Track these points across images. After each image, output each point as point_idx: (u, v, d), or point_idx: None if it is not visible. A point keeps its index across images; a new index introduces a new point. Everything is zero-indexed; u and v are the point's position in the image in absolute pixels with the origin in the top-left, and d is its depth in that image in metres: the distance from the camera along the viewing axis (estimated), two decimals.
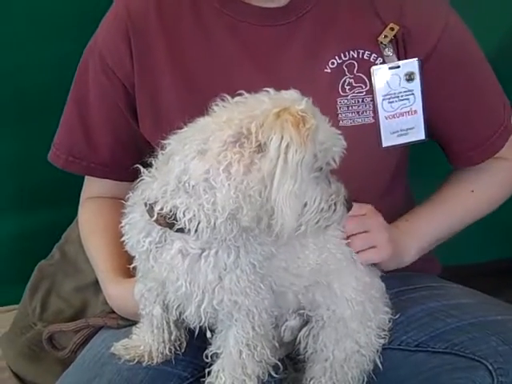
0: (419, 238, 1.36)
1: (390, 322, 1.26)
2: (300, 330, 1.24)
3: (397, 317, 1.27)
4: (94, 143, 1.41)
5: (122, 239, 1.15)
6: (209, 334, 1.15)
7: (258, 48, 1.32)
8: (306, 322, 1.23)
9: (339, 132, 1.06)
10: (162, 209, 1.06)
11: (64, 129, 1.46)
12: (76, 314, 1.73)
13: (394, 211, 1.37)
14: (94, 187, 1.49)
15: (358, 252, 1.23)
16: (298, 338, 1.23)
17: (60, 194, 1.93)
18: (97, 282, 1.75)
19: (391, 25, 1.29)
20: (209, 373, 1.16)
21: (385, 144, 1.32)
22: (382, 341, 1.25)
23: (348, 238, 1.22)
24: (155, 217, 1.07)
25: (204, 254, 1.07)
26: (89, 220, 1.47)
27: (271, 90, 1.04)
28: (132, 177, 1.17)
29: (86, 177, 1.50)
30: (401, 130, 1.33)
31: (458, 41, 1.35)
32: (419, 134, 1.34)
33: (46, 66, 1.91)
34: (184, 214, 1.04)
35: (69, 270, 1.81)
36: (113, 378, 1.16)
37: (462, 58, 1.35)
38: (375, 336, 1.24)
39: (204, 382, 1.17)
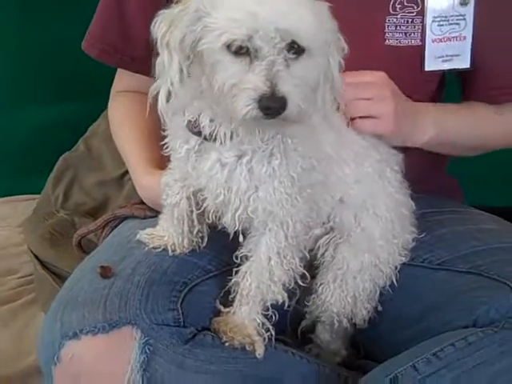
0: (440, 123, 1.28)
1: (413, 241, 1.24)
2: (322, 237, 1.22)
3: (422, 236, 1.24)
4: (129, 35, 1.35)
5: (155, 134, 1.15)
6: (241, 239, 1.13)
7: None
8: (328, 231, 1.22)
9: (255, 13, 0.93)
10: (193, 117, 1.05)
11: (100, 18, 1.39)
12: (97, 208, 1.74)
13: None
14: (124, 81, 1.44)
15: (354, 119, 1.16)
16: (317, 245, 1.22)
17: (87, 87, 1.91)
18: (120, 178, 1.76)
19: None
20: (236, 272, 1.15)
21: (428, 68, 1.27)
22: (403, 259, 1.23)
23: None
24: (185, 123, 1.06)
25: (239, 161, 1.05)
26: (119, 113, 1.43)
27: None
28: None
29: (118, 70, 1.46)
30: (446, 56, 1.27)
31: None
32: (464, 62, 1.28)
33: None
34: (202, 119, 1.04)
35: (93, 163, 1.80)
36: (141, 260, 1.15)
37: None
38: (397, 253, 1.22)
39: (227, 276, 1.16)
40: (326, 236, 1.22)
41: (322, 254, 1.22)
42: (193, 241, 1.20)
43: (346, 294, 1.21)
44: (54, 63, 1.96)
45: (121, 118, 1.42)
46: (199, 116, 1.05)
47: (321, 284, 1.22)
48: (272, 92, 0.93)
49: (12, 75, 1.97)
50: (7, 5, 1.91)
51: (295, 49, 0.95)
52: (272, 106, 0.93)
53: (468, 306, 1.12)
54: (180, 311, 1.10)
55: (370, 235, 1.20)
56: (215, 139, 1.04)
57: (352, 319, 1.25)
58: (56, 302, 1.12)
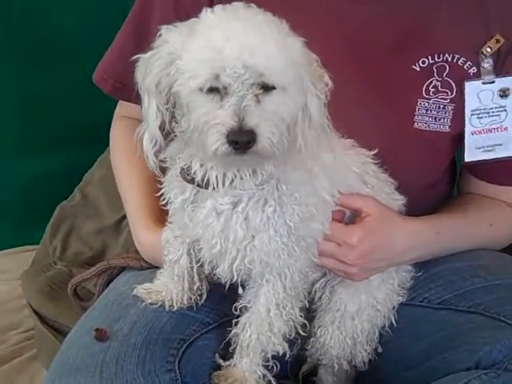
0: (435, 249, 1.22)
1: (411, 279, 1.21)
2: (318, 280, 1.19)
3: (419, 274, 1.21)
4: None
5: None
6: (240, 291, 1.11)
7: (351, 23, 1.19)
8: (324, 274, 1.19)
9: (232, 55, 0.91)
10: (185, 164, 1.03)
11: (116, 51, 1.31)
12: (95, 257, 1.69)
13: (437, 198, 1.31)
14: (131, 110, 1.31)
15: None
16: (313, 289, 1.19)
17: (81, 136, 1.88)
18: (117, 224, 1.73)
19: (497, 36, 1.19)
20: (235, 323, 1.11)
21: (468, 159, 1.23)
22: (401, 298, 1.20)
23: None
24: (178, 170, 1.03)
25: (235, 209, 1.02)
26: (122, 143, 1.35)
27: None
28: None
29: None
30: (487, 146, 1.23)
31: None
32: (507, 151, 1.23)
33: (72, 7, 1.85)
34: (193, 165, 1.01)
35: (89, 212, 1.76)
36: (137, 320, 1.11)
37: None
38: (395, 293, 1.20)
39: (226, 328, 1.13)
40: (322, 279, 1.19)
41: (319, 298, 1.19)
42: (191, 298, 1.16)
43: (345, 335, 1.18)
44: (45, 113, 1.93)
45: (124, 151, 1.34)
46: (191, 162, 1.02)
47: (319, 327, 1.19)
48: (239, 126, 0.90)
49: (4, 127, 1.94)
50: (1, 57, 1.90)
51: (265, 84, 0.93)
52: (239, 139, 0.90)
53: (470, 346, 1.08)
54: (178, 372, 1.06)
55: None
56: (208, 184, 1.02)
57: (352, 361, 1.22)
58: (52, 368, 1.08)
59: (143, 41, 1.09)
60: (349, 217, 1.15)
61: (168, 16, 1.10)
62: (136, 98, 1.06)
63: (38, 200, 1.95)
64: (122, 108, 1.39)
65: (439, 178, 1.31)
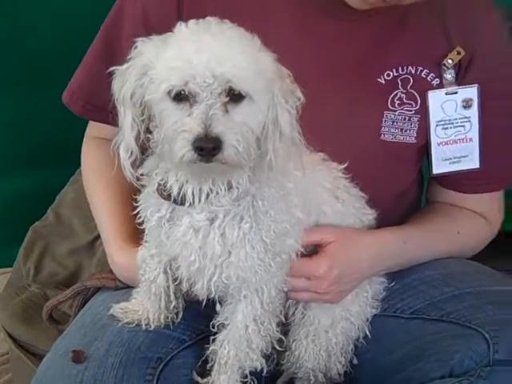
0: (403, 259, 1.23)
1: (384, 291, 1.22)
2: None
3: (392, 284, 1.22)
4: None
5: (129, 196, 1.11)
6: (218, 307, 1.10)
7: (317, 37, 1.21)
8: None
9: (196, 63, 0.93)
10: (162, 179, 1.03)
11: (86, 72, 1.31)
12: (70, 277, 1.66)
13: (407, 207, 1.33)
14: (102, 130, 1.31)
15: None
16: (287, 304, 1.19)
17: (53, 156, 1.87)
18: (91, 243, 1.71)
19: (458, 48, 1.21)
20: (213, 340, 1.11)
21: (436, 171, 1.24)
22: (374, 310, 1.21)
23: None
24: (155, 187, 1.03)
25: (212, 226, 1.02)
26: (94, 164, 1.34)
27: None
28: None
29: None
30: (454, 158, 1.24)
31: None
32: (473, 163, 1.24)
33: (47, 28, 1.86)
34: (169, 180, 1.01)
35: (63, 232, 1.73)
36: (113, 340, 1.10)
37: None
38: (368, 306, 1.20)
39: (202, 345, 1.13)
40: None
41: (293, 313, 1.19)
42: (168, 316, 1.15)
43: (320, 348, 1.18)
44: (16, 134, 1.92)
45: (95, 173, 1.33)
46: (167, 177, 1.02)
47: (294, 341, 1.19)
48: (205, 133, 0.91)
49: None
50: None
51: (234, 95, 0.94)
52: (204, 146, 0.91)
53: (442, 355, 1.09)
54: None
55: None
56: (184, 200, 1.02)
57: (327, 374, 1.21)
58: None
59: (112, 60, 1.08)
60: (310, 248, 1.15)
61: (138, 35, 1.11)
62: (108, 118, 1.07)
63: (10, 221, 1.93)
64: (93, 129, 1.38)
65: (408, 188, 1.32)
